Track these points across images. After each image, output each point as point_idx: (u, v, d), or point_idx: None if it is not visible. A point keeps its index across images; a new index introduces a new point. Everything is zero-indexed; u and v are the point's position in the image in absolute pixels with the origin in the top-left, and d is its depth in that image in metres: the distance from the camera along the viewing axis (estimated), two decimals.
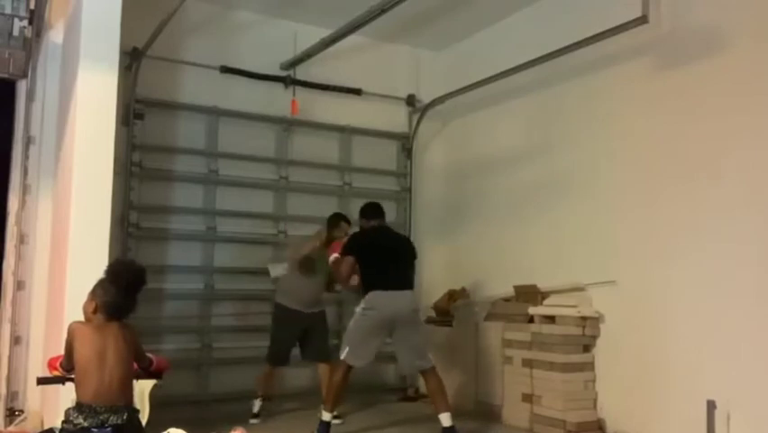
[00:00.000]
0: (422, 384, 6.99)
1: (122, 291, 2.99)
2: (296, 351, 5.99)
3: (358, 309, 5.21)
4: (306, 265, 5.80)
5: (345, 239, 5.56)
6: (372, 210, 5.57)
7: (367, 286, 5.22)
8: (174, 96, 6.50)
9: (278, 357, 5.91)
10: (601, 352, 5.56)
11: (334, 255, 5.46)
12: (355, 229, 5.80)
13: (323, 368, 5.82)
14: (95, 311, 3.00)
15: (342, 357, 5.16)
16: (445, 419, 5.02)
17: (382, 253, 5.31)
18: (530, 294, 6.06)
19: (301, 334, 5.89)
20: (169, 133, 6.50)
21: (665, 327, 5.06)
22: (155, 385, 3.60)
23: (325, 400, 5.22)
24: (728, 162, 4.77)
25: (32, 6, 5.25)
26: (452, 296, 6.99)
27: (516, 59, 6.16)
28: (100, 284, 3.02)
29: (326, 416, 5.14)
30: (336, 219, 5.90)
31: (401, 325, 5.16)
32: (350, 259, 5.28)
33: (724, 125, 4.81)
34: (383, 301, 5.14)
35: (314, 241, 5.79)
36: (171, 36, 5.86)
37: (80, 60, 4.38)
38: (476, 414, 6.16)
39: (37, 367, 5.06)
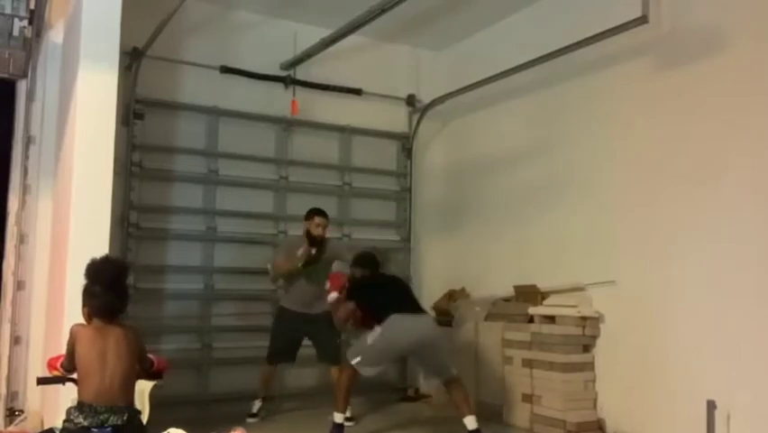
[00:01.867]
0: (422, 384, 7.02)
1: (108, 289, 2.98)
2: (305, 352, 5.99)
3: (378, 328, 5.10)
4: (292, 278, 5.85)
5: (341, 275, 5.64)
6: (365, 260, 5.61)
7: (382, 313, 5.11)
8: (174, 96, 6.50)
9: (273, 356, 5.91)
10: (601, 352, 5.56)
11: (333, 295, 5.48)
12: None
13: (333, 370, 5.78)
14: (90, 317, 3.00)
15: (352, 362, 5.13)
16: (470, 423, 5.08)
17: (384, 288, 5.42)
18: (530, 294, 6.06)
19: (305, 335, 5.89)
20: (169, 133, 6.50)
21: (665, 327, 5.06)
22: (155, 385, 3.60)
23: (336, 402, 5.20)
24: (728, 162, 4.77)
25: (32, 6, 5.25)
26: (452, 296, 7.00)
27: (516, 59, 6.16)
28: (85, 290, 3.00)
29: (338, 417, 5.15)
30: (310, 214, 5.91)
31: (423, 350, 5.17)
32: (350, 305, 5.34)
33: (724, 125, 4.81)
34: (404, 325, 5.08)
35: (294, 260, 5.75)
36: (171, 36, 5.86)
37: (80, 60, 4.38)
38: (476, 414, 6.15)
39: (37, 367, 5.06)
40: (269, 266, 6.13)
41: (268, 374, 5.97)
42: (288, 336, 5.88)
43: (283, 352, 5.91)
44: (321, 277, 5.84)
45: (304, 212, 6.38)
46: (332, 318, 5.97)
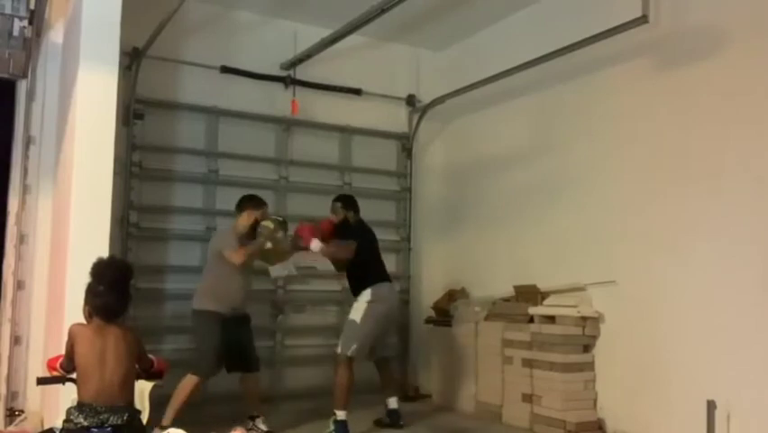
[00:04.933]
0: (422, 384, 7.03)
1: (110, 289, 2.99)
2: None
3: (362, 302, 5.23)
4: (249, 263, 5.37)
5: (309, 226, 5.51)
6: (356, 203, 5.71)
7: (367, 278, 5.30)
8: (174, 96, 6.50)
9: (212, 369, 5.16)
10: (601, 352, 5.56)
11: (316, 243, 5.31)
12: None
13: (252, 379, 5.33)
14: (90, 316, 3.01)
15: (348, 354, 5.17)
16: (393, 402, 5.59)
17: (375, 246, 5.48)
18: (530, 294, 6.06)
19: (229, 341, 5.17)
20: (169, 133, 6.50)
21: (665, 327, 5.06)
22: (155, 385, 3.61)
23: (337, 399, 5.17)
24: (729, 162, 4.77)
25: (31, 6, 5.26)
26: (452, 296, 7.00)
27: (516, 59, 6.16)
28: (89, 289, 3.02)
29: (341, 414, 5.15)
30: (260, 204, 5.43)
31: (391, 318, 5.40)
32: (353, 244, 5.34)
33: (724, 125, 4.81)
34: (386, 293, 5.31)
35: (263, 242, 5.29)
36: (171, 36, 5.86)
37: (80, 60, 4.38)
38: (476, 414, 6.17)
39: (37, 367, 5.06)
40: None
41: (197, 388, 5.10)
42: (221, 344, 5.15)
43: (220, 364, 5.21)
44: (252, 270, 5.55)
45: (304, 212, 6.38)
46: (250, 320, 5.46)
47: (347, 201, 5.74)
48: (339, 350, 5.25)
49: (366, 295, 5.24)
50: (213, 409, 6.03)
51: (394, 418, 5.62)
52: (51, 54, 5.69)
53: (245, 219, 5.37)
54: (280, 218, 5.50)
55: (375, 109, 7.47)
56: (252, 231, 5.34)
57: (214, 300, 5.18)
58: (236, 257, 5.15)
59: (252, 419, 5.31)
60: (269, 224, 5.33)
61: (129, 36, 4.99)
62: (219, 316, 5.15)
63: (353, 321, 5.26)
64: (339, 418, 5.14)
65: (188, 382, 5.04)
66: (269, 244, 5.30)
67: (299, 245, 5.48)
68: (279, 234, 5.33)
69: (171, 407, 4.93)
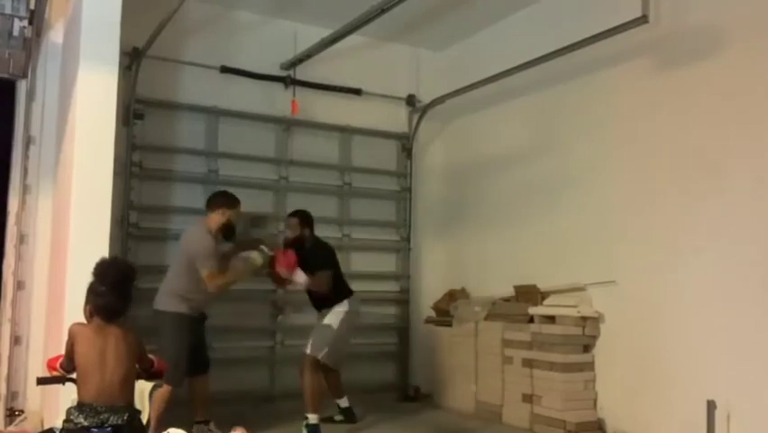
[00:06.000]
0: (422, 384, 7.03)
1: (112, 290, 2.99)
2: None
3: (339, 312, 5.33)
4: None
5: (290, 251, 5.25)
6: (312, 220, 5.60)
7: (341, 291, 5.43)
8: (174, 96, 6.50)
9: (184, 377, 4.91)
10: (601, 352, 5.56)
11: (302, 275, 5.17)
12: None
13: (204, 381, 5.19)
14: (91, 315, 3.01)
15: (318, 356, 5.23)
16: (345, 402, 5.75)
17: (337, 260, 5.61)
18: (530, 294, 6.06)
19: (193, 344, 5.04)
20: (168, 133, 6.50)
21: (665, 327, 5.06)
22: (155, 385, 3.61)
23: (309, 403, 5.17)
24: (729, 162, 4.77)
25: (31, 6, 5.27)
26: (452, 296, 7.00)
27: (516, 59, 6.16)
28: (90, 288, 3.03)
29: (314, 418, 5.16)
30: (234, 202, 5.15)
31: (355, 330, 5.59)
32: (328, 274, 5.36)
33: (724, 125, 4.81)
34: (359, 307, 5.55)
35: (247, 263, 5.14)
36: (171, 36, 5.85)
37: (80, 60, 4.39)
38: (476, 414, 6.17)
39: (37, 367, 5.06)
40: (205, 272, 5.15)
41: (170, 398, 4.76)
42: (193, 342, 5.03)
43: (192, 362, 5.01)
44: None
45: None
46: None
47: (304, 218, 5.57)
48: (308, 351, 5.27)
49: (344, 305, 5.38)
50: (212, 409, 6.04)
51: (350, 415, 5.76)
52: (51, 54, 5.69)
53: (218, 218, 5.05)
54: (271, 253, 5.22)
55: (375, 109, 7.46)
56: (224, 231, 5.06)
57: (183, 302, 4.92)
58: (212, 284, 4.83)
59: (206, 423, 5.12)
60: (256, 260, 5.11)
61: (129, 36, 4.98)
62: (188, 319, 4.94)
63: (329, 326, 5.33)
64: (312, 422, 5.14)
65: (161, 392, 4.55)
66: (246, 271, 5.16)
67: (281, 276, 5.26)
68: (261, 267, 5.18)
69: (152, 423, 4.35)
